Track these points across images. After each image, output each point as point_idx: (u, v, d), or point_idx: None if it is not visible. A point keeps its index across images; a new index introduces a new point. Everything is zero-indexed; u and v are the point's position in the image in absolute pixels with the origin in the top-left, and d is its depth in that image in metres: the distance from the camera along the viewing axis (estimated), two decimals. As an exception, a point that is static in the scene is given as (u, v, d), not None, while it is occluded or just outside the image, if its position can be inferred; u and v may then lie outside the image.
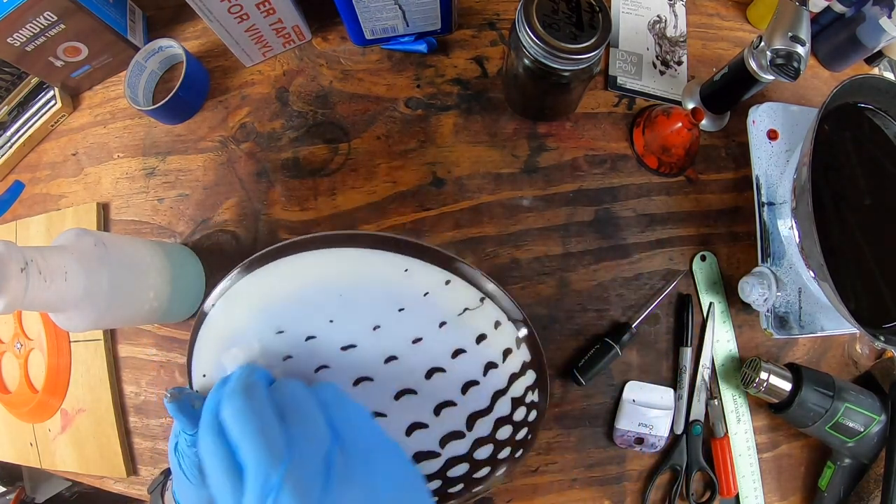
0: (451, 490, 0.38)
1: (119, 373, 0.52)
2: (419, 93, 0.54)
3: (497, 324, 0.35)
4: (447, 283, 0.33)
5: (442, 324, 0.34)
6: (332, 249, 0.33)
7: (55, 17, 0.48)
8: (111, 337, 0.53)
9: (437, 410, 0.35)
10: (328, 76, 0.55)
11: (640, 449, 0.49)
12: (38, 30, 0.48)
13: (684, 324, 0.50)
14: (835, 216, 0.45)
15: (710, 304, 0.51)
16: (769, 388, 0.46)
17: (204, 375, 0.35)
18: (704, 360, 0.50)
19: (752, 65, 0.45)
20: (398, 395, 0.34)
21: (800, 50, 0.42)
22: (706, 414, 0.49)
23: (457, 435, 0.36)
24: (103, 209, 0.55)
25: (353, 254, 0.33)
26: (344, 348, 0.33)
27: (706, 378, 0.49)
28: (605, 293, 0.50)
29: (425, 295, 0.33)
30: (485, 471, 0.38)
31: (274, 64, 0.56)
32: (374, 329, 0.33)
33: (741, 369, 0.49)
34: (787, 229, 0.47)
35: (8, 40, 0.48)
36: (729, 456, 0.49)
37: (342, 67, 0.55)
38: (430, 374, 0.34)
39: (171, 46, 0.54)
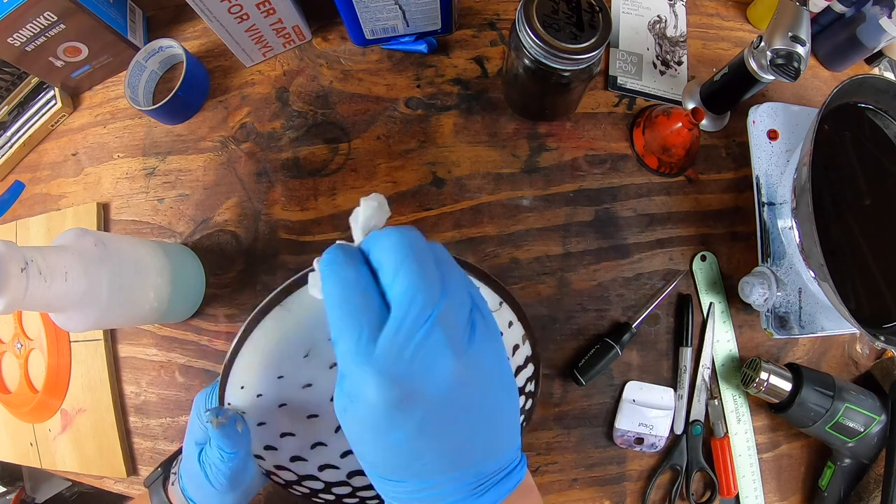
0: None
1: (119, 373, 0.52)
2: (419, 93, 0.54)
3: (510, 323, 0.37)
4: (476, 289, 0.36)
5: None
6: None
7: (55, 17, 0.48)
8: (111, 337, 0.53)
9: None
10: (328, 76, 0.55)
11: (640, 449, 0.49)
12: (38, 30, 0.48)
13: (684, 324, 0.50)
14: (835, 216, 0.45)
15: (710, 304, 0.51)
16: (769, 388, 0.46)
17: (242, 387, 0.34)
18: (704, 360, 0.50)
19: (752, 65, 0.45)
20: None
21: (800, 50, 0.42)
22: (706, 414, 0.49)
23: None
24: (103, 209, 0.55)
25: None
26: None
27: (706, 378, 0.49)
28: (605, 293, 0.50)
29: None
30: None
31: (274, 64, 0.56)
32: None
33: (741, 369, 0.49)
34: (787, 229, 0.47)
35: (8, 40, 0.48)
36: (729, 456, 0.49)
37: (342, 67, 0.55)
38: None
39: (171, 46, 0.54)
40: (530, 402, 0.41)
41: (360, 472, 0.38)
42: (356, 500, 0.40)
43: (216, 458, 0.33)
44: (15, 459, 0.56)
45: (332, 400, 0.29)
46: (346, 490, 0.40)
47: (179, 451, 0.40)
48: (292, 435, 0.36)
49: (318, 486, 0.39)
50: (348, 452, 0.38)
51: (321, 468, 0.38)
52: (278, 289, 0.32)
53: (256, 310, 0.32)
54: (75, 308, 0.37)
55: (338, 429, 0.36)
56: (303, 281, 0.31)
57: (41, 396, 0.52)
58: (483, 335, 0.23)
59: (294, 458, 0.37)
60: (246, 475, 0.35)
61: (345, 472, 0.39)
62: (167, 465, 0.41)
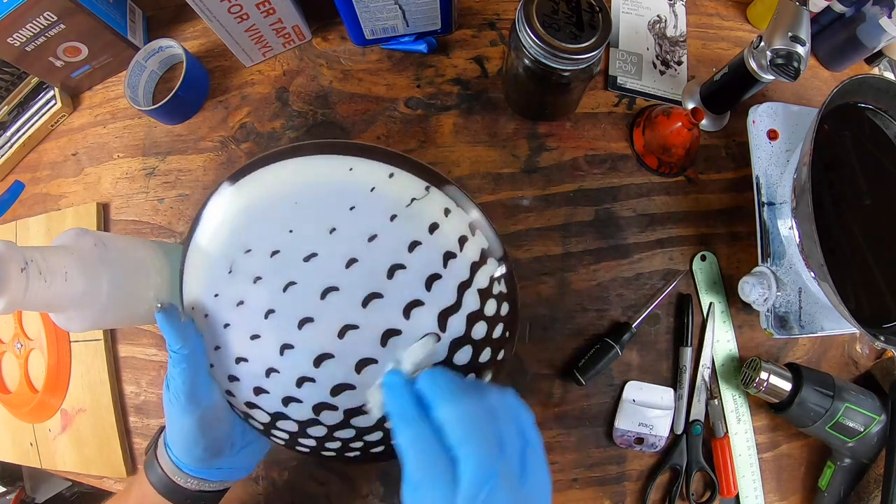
0: None
1: (119, 373, 0.52)
2: (419, 93, 0.54)
3: (447, 211, 0.34)
4: (391, 175, 0.34)
5: (393, 217, 0.33)
6: (281, 162, 0.34)
7: (55, 17, 0.48)
8: (111, 337, 0.53)
9: (407, 312, 0.34)
10: (328, 76, 0.55)
11: (640, 449, 0.49)
12: (38, 30, 0.48)
13: (684, 324, 0.50)
14: (835, 216, 0.45)
15: (710, 304, 0.51)
16: (769, 388, 0.46)
17: (192, 308, 0.36)
18: (704, 360, 0.50)
19: (752, 65, 0.45)
20: (366, 302, 0.33)
21: (800, 50, 0.42)
22: (706, 414, 0.49)
23: (434, 339, 0.34)
24: (103, 209, 0.55)
25: (300, 162, 0.34)
26: (306, 258, 0.33)
27: (706, 378, 0.49)
28: (605, 293, 0.50)
29: (372, 190, 0.34)
30: (470, 378, 0.37)
31: (274, 64, 0.56)
32: (331, 232, 0.33)
33: (741, 369, 0.49)
34: (787, 229, 0.47)
35: (8, 40, 0.48)
36: (729, 456, 0.49)
37: (342, 67, 0.55)
38: (391, 272, 0.33)
39: (171, 46, 0.54)
40: (505, 304, 0.37)
41: (328, 406, 0.35)
42: (338, 443, 0.38)
43: (171, 364, 0.34)
44: (15, 459, 0.56)
45: (266, 318, 0.33)
46: (320, 431, 0.37)
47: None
48: (245, 361, 0.35)
49: (293, 427, 0.37)
50: (303, 380, 0.35)
51: (285, 402, 0.35)
52: (197, 209, 0.35)
53: (187, 233, 0.36)
54: (75, 308, 0.37)
55: (282, 350, 0.34)
56: (211, 195, 0.35)
57: (41, 396, 0.52)
58: (533, 466, 0.28)
59: (257, 391, 0.36)
60: (204, 390, 0.35)
61: (309, 406, 0.35)
62: (160, 432, 0.40)
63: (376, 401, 0.33)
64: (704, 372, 0.49)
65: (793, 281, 0.47)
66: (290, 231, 0.34)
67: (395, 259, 0.33)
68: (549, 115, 0.53)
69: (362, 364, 0.34)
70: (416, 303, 0.34)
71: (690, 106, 0.54)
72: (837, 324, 0.47)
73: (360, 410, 0.35)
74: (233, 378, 0.36)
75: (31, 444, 0.54)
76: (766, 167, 0.49)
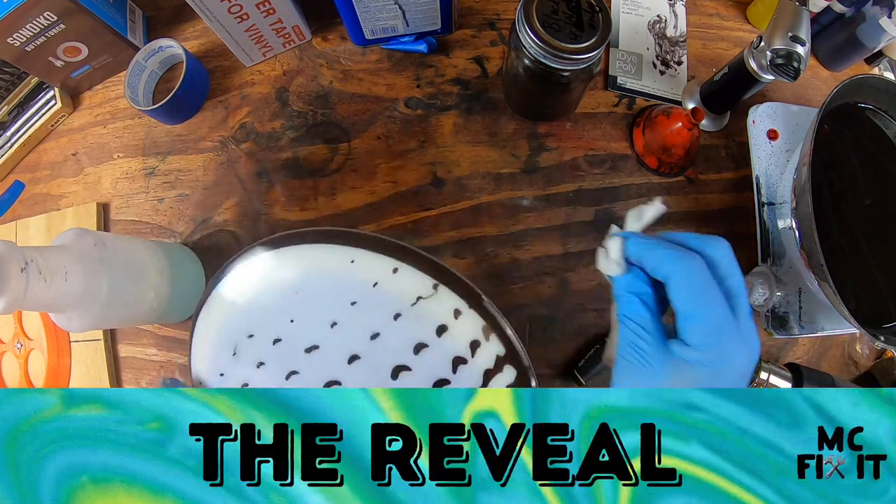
0: None
1: (119, 373, 0.52)
2: (419, 93, 0.54)
3: (457, 312, 0.32)
4: (395, 270, 0.32)
5: (397, 315, 0.32)
6: (280, 249, 0.34)
7: (55, 17, 0.48)
8: (111, 337, 0.53)
9: None
10: (328, 76, 0.55)
11: (640, 449, 0.49)
12: (38, 30, 0.48)
13: (684, 324, 0.49)
14: (835, 216, 0.45)
15: (710, 304, 0.50)
16: (769, 388, 0.46)
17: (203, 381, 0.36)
18: (704, 360, 0.49)
19: (752, 65, 0.45)
20: None
21: (800, 50, 0.42)
22: (706, 414, 0.49)
23: None
24: (103, 209, 0.55)
25: (301, 251, 0.33)
26: (308, 350, 0.32)
27: (706, 378, 0.49)
28: (605, 293, 0.50)
29: (374, 285, 0.32)
30: None
31: (274, 64, 0.56)
32: (332, 326, 0.32)
33: (741, 369, 0.49)
34: (787, 229, 0.47)
35: (8, 40, 0.48)
36: (729, 456, 0.49)
37: (342, 67, 0.55)
38: (395, 373, 0.32)
39: (171, 46, 0.54)
40: None
41: None
42: None
43: None
44: (15, 459, 0.56)
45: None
46: None
47: None
48: None
49: None
50: None
51: None
52: (206, 290, 0.35)
53: (195, 312, 0.36)
54: (75, 308, 0.37)
55: None
56: (216, 279, 0.35)
57: (41, 396, 0.52)
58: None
59: None
60: None
61: None
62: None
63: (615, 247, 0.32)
64: (704, 372, 0.49)
65: (793, 281, 0.47)
66: (292, 321, 0.33)
67: (400, 360, 0.32)
68: (549, 115, 0.53)
69: None
70: None
71: (690, 106, 0.54)
72: (837, 324, 0.47)
73: None
74: None
75: (31, 444, 0.54)
76: (766, 167, 0.49)
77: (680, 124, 0.48)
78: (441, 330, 0.32)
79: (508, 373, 0.33)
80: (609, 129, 0.53)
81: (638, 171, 0.53)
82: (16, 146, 0.58)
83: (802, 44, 0.42)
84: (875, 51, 0.54)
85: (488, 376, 0.33)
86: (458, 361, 0.32)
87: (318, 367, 0.32)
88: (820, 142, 0.42)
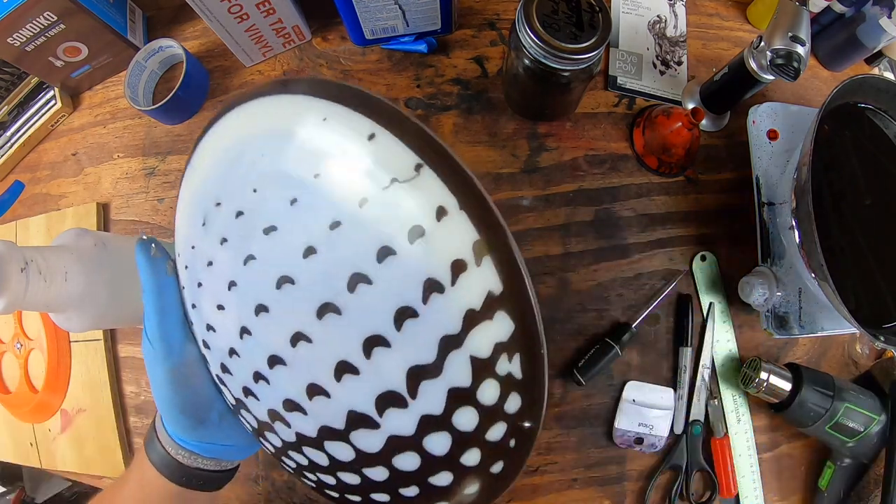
0: (404, 492, 0.28)
1: (119, 373, 0.52)
2: (419, 93, 0.54)
3: (441, 211, 0.22)
4: (371, 137, 0.23)
5: (362, 202, 0.23)
6: (262, 99, 0.27)
7: (55, 17, 0.48)
8: (111, 337, 0.53)
9: (367, 349, 0.24)
10: (328, 76, 0.55)
11: (640, 449, 0.49)
12: (38, 30, 0.48)
13: (684, 324, 0.50)
14: (835, 216, 0.45)
15: (710, 304, 0.51)
16: (769, 388, 0.46)
17: (179, 255, 0.32)
18: (704, 360, 0.50)
19: (752, 65, 0.45)
20: (321, 312, 0.24)
21: (800, 50, 0.42)
22: (706, 414, 0.49)
23: (396, 399, 0.24)
24: (103, 209, 0.55)
25: (275, 102, 0.26)
26: (266, 231, 0.25)
27: (706, 378, 0.49)
28: (605, 293, 0.50)
29: (343, 154, 0.24)
30: (444, 478, 0.27)
31: (274, 64, 0.56)
32: (292, 203, 0.25)
33: (741, 369, 0.49)
34: (787, 229, 0.47)
35: (8, 40, 0.48)
36: (729, 456, 0.49)
37: (342, 67, 0.55)
38: (353, 283, 0.23)
39: (171, 46, 0.54)
40: (517, 399, 0.24)
41: (281, 419, 0.28)
42: (294, 464, 0.31)
43: (144, 303, 0.32)
44: (15, 459, 0.56)
45: (229, 289, 0.27)
46: (276, 441, 0.30)
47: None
48: (214, 330, 0.29)
49: (254, 423, 0.30)
50: (258, 376, 0.27)
51: (245, 392, 0.29)
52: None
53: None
54: (75, 308, 0.37)
55: (241, 333, 0.27)
56: (209, 126, 0.30)
57: (41, 396, 0.52)
58: None
59: (223, 368, 0.30)
60: (175, 337, 0.32)
61: (265, 409, 0.28)
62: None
63: None
64: (704, 372, 0.49)
65: (793, 281, 0.47)
66: (254, 190, 0.26)
67: (359, 266, 0.23)
68: (549, 115, 0.53)
69: (313, 391, 0.26)
70: (380, 340, 0.23)
71: (690, 106, 0.54)
72: (837, 324, 0.47)
73: (312, 442, 0.28)
74: (206, 345, 0.31)
75: (31, 444, 0.54)
76: (766, 167, 0.49)
77: (680, 124, 0.48)
78: (415, 232, 0.23)
79: (500, 323, 0.23)
80: (609, 129, 0.53)
81: (638, 171, 0.53)
82: (16, 146, 0.58)
83: (802, 44, 0.42)
84: (875, 51, 0.54)
85: (469, 322, 0.23)
86: (430, 286, 0.23)
87: (273, 256, 0.25)
88: (820, 142, 0.42)
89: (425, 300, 0.23)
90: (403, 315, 0.23)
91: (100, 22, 0.51)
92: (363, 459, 0.27)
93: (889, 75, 0.59)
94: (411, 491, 0.27)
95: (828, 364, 0.52)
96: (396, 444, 0.25)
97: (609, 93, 0.54)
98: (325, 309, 0.24)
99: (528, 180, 0.52)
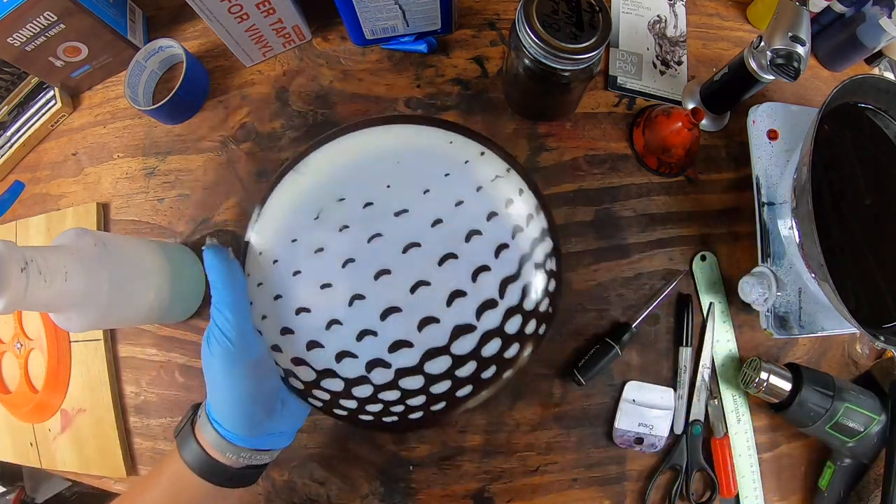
0: (485, 375, 0.39)
1: (119, 373, 0.52)
2: (419, 93, 0.54)
3: (521, 191, 0.39)
4: (482, 154, 0.39)
5: (479, 188, 0.38)
6: (391, 126, 0.39)
7: (55, 17, 0.48)
8: (111, 337, 0.53)
9: (475, 276, 0.37)
10: (328, 76, 0.55)
11: (640, 449, 0.49)
12: (38, 30, 0.48)
13: (684, 324, 0.50)
14: (835, 216, 0.45)
15: (710, 304, 0.51)
16: (769, 388, 0.46)
17: (260, 253, 0.38)
18: (704, 360, 0.50)
19: (752, 65, 0.45)
20: (442, 261, 0.37)
21: (800, 50, 0.42)
22: (706, 414, 0.49)
23: (491, 304, 0.38)
24: (103, 209, 0.55)
25: (409, 129, 0.39)
26: (397, 213, 0.37)
27: (706, 378, 0.49)
28: (605, 293, 0.50)
29: (466, 163, 0.38)
30: (514, 349, 0.40)
31: (274, 64, 0.56)
32: (425, 193, 0.37)
33: (741, 369, 0.49)
34: (787, 229, 0.47)
35: (8, 40, 0.48)
36: (729, 456, 0.49)
37: (342, 67, 0.55)
38: (469, 237, 0.37)
39: (171, 46, 0.54)
40: (553, 281, 0.40)
41: (382, 364, 0.37)
42: (380, 406, 0.39)
43: (215, 311, 0.34)
44: (15, 459, 0.56)
45: (343, 267, 0.36)
46: (366, 391, 0.38)
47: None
48: (308, 311, 0.37)
49: (338, 387, 0.38)
50: (365, 333, 0.37)
51: (339, 357, 0.37)
52: (294, 156, 0.38)
53: (274, 177, 0.38)
54: (75, 308, 0.37)
55: (352, 301, 0.36)
56: (316, 145, 0.38)
57: (41, 396, 0.52)
58: None
59: (311, 345, 0.37)
60: (252, 338, 0.35)
61: (363, 362, 0.37)
62: (194, 409, 0.38)
63: None
64: (704, 372, 0.49)
65: (793, 281, 0.47)
66: (388, 186, 0.37)
67: (475, 225, 0.38)
68: (549, 115, 0.53)
69: (425, 322, 0.37)
70: (484, 268, 0.38)
71: (690, 106, 0.54)
72: (837, 324, 0.47)
73: (411, 370, 0.38)
74: (286, 331, 0.37)
75: (31, 444, 0.54)
76: (766, 167, 0.49)
77: (680, 124, 0.48)
78: (508, 203, 0.39)
79: (546, 243, 0.40)
80: (609, 129, 0.53)
81: (638, 171, 0.53)
82: (16, 146, 0.58)
83: (802, 44, 0.42)
84: (875, 51, 0.54)
85: (534, 244, 0.39)
86: (517, 230, 0.39)
87: (403, 230, 0.37)
88: (820, 142, 0.42)
89: (513, 237, 0.39)
90: (500, 249, 0.38)
91: (100, 22, 0.51)
92: (457, 362, 0.38)
93: (889, 75, 0.59)
94: (490, 371, 0.39)
95: (828, 364, 0.52)
96: (486, 336, 0.39)
97: (609, 93, 0.54)
98: (446, 258, 0.37)
99: (528, 180, 0.52)
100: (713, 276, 0.51)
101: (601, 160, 0.53)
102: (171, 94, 0.51)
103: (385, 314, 0.37)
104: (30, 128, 0.58)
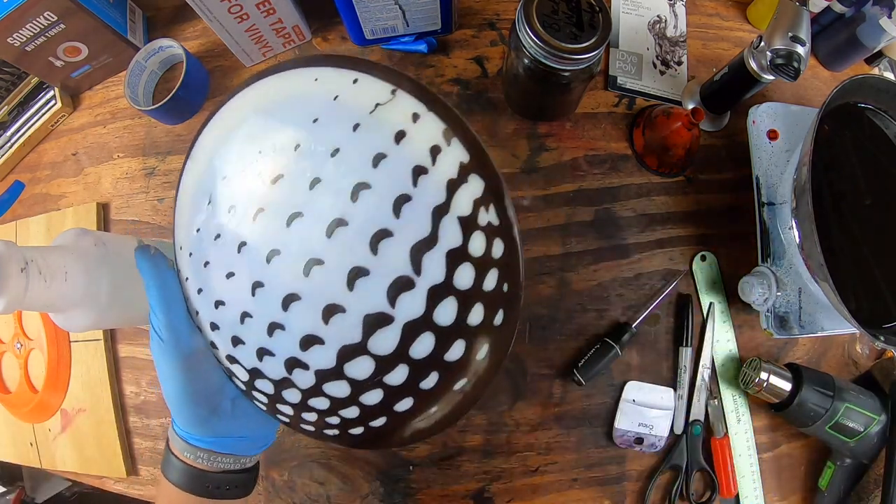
0: (424, 385, 0.30)
1: (119, 373, 0.52)
2: (419, 93, 0.54)
3: (415, 116, 0.29)
4: (355, 81, 0.30)
5: (356, 126, 0.29)
6: (257, 83, 0.33)
7: (55, 17, 0.48)
8: (111, 337, 0.53)
9: (374, 245, 0.27)
10: (328, 76, 0.55)
11: (640, 449, 0.49)
12: (38, 30, 0.48)
13: (684, 324, 0.50)
14: (835, 216, 0.45)
15: (710, 304, 0.51)
16: (769, 388, 0.46)
17: (181, 248, 0.34)
18: (704, 360, 0.50)
19: (752, 65, 0.45)
20: (330, 231, 0.28)
21: (800, 50, 0.42)
22: (706, 414, 0.49)
23: (405, 283, 0.28)
24: (103, 209, 0.55)
25: (270, 80, 0.32)
26: (273, 180, 0.29)
27: (706, 378, 0.49)
28: (605, 293, 0.50)
29: (335, 98, 0.30)
30: (458, 348, 0.29)
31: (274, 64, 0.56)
32: (296, 149, 0.29)
33: (741, 369, 0.49)
34: (787, 229, 0.47)
35: (8, 40, 0.48)
36: (729, 456, 0.49)
37: (342, 67, 0.55)
38: (355, 193, 0.28)
39: (171, 46, 0.54)
40: (499, 242, 0.30)
41: (299, 364, 0.30)
42: (314, 415, 0.32)
43: (150, 303, 0.34)
44: (15, 459, 0.56)
45: (238, 252, 0.30)
46: (295, 396, 0.32)
47: None
48: (223, 304, 0.32)
49: (269, 389, 0.32)
50: (274, 326, 0.30)
51: (259, 355, 0.31)
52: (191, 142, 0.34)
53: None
54: (75, 308, 0.37)
55: (253, 290, 0.30)
56: (202, 126, 0.34)
57: (41, 396, 0.52)
58: None
59: (235, 341, 0.32)
60: (184, 330, 0.33)
61: (281, 361, 0.31)
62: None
63: None
64: (704, 372, 0.49)
65: (793, 281, 0.47)
66: (260, 152, 0.30)
67: (360, 177, 0.28)
68: (549, 115, 0.53)
69: (329, 311, 0.28)
70: (384, 233, 0.27)
71: (690, 106, 0.54)
72: (837, 324, 0.47)
73: (331, 374, 0.30)
74: (214, 326, 0.33)
75: (31, 444, 0.54)
76: (766, 167, 0.49)
77: (680, 124, 0.48)
78: (399, 136, 0.29)
79: (475, 183, 0.29)
80: (609, 129, 0.53)
81: (638, 171, 0.53)
82: (16, 146, 0.58)
83: (802, 44, 0.42)
84: (875, 51, 0.54)
85: (452, 188, 0.28)
86: (418, 171, 0.28)
87: (282, 200, 0.29)
88: (820, 142, 0.42)
89: (415, 183, 0.28)
90: (401, 202, 0.28)
91: (100, 22, 0.51)
92: (382, 366, 0.29)
93: (889, 75, 0.59)
94: (431, 380, 0.30)
95: (828, 364, 0.52)
96: (411, 331, 0.28)
97: (609, 93, 0.54)
98: (334, 225, 0.28)
99: (528, 180, 0.52)
100: (713, 276, 0.51)
101: (601, 160, 0.53)
102: (171, 94, 0.51)
103: (286, 303, 0.29)
104: (30, 128, 0.58)
